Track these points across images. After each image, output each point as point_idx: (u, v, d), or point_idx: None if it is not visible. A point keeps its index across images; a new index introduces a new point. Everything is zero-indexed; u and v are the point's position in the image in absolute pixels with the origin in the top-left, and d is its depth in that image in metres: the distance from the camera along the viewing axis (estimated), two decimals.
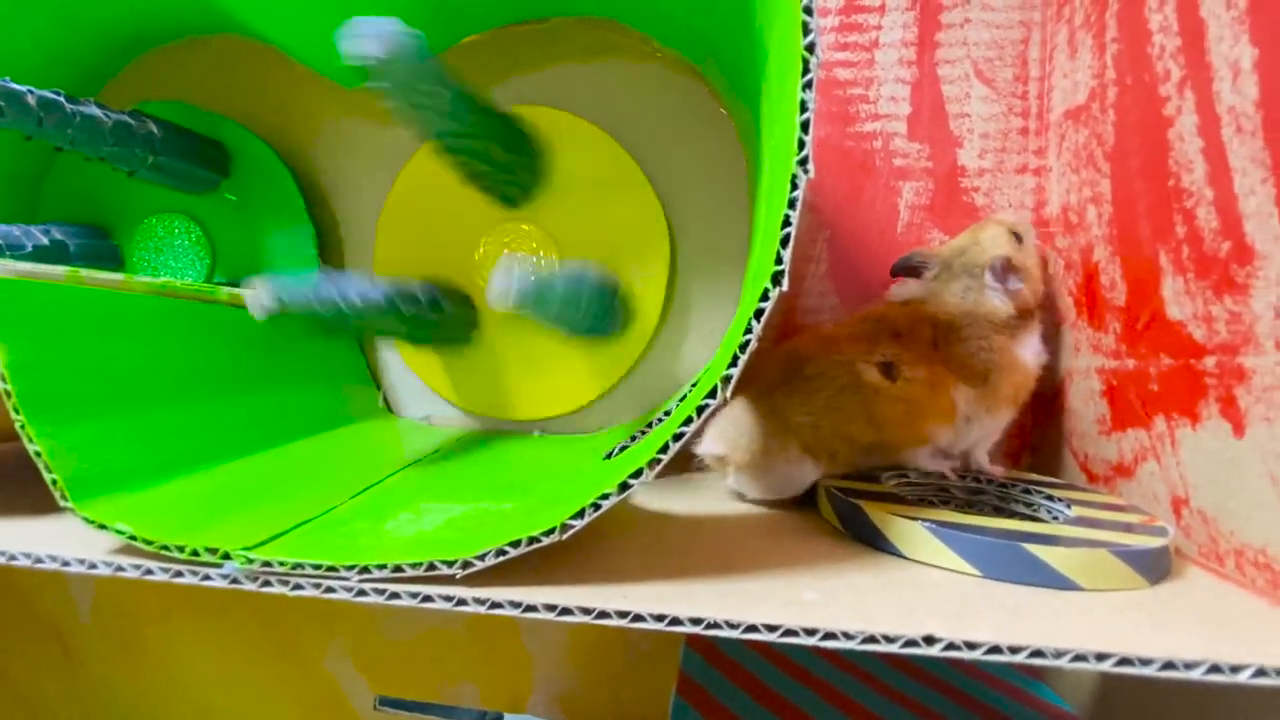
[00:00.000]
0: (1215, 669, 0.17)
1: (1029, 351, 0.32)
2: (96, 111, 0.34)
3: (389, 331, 0.36)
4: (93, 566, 0.22)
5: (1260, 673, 0.17)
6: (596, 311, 0.33)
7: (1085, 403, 0.33)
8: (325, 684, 0.49)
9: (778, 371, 0.31)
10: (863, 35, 0.39)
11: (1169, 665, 0.17)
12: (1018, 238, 0.34)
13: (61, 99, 0.33)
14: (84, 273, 0.26)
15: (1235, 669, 0.17)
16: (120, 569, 0.22)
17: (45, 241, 0.39)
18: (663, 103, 0.40)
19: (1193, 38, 0.26)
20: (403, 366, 0.43)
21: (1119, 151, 0.31)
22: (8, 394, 0.22)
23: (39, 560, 0.22)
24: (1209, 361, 0.25)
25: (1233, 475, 0.23)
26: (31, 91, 0.31)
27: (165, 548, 0.21)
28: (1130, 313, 0.30)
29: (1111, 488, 0.31)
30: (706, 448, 0.29)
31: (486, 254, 0.41)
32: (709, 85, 0.39)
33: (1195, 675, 0.17)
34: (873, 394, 0.30)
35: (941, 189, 0.39)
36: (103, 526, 0.22)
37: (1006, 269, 0.32)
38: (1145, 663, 0.17)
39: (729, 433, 0.29)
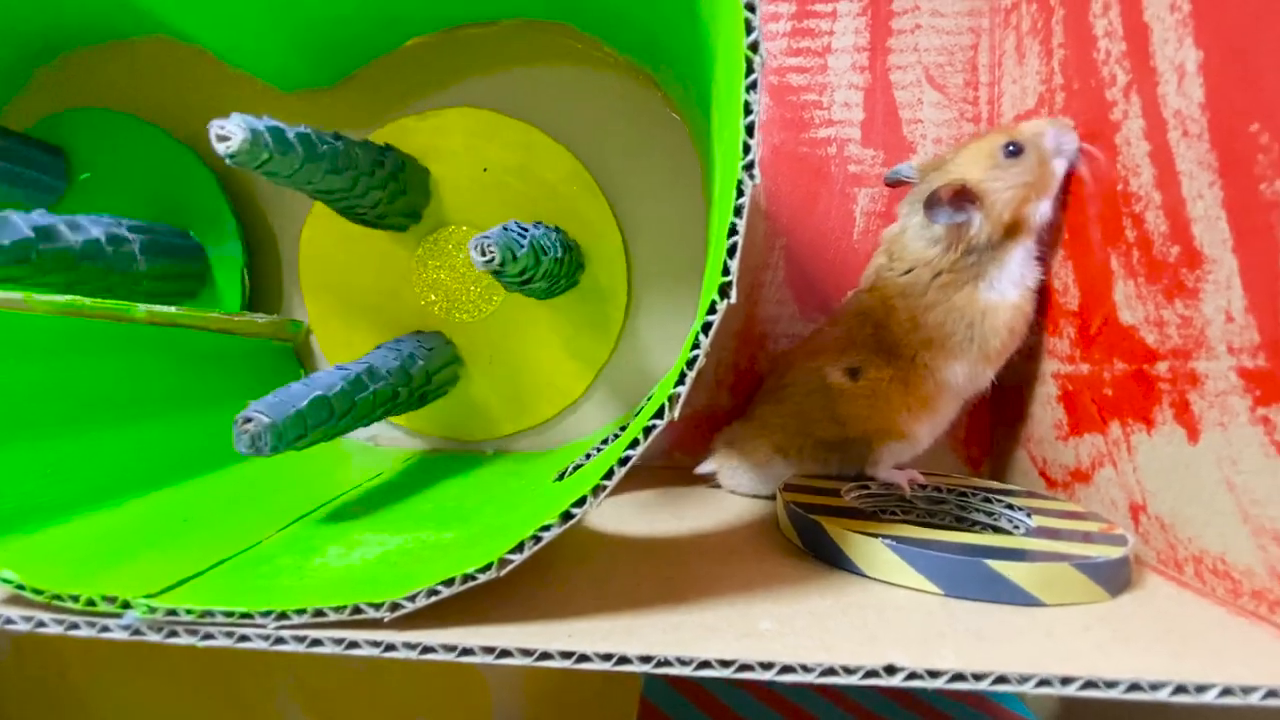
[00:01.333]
0: (1181, 689, 0.16)
1: (1003, 286, 0.29)
2: None
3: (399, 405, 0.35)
4: None
5: (1226, 691, 0.16)
6: (562, 260, 0.34)
7: (1043, 408, 0.33)
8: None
9: (770, 381, 0.36)
10: (815, 41, 0.39)
11: (1134, 687, 0.17)
12: (1013, 150, 0.29)
13: None
14: None
15: (1200, 689, 0.16)
16: (9, 621, 0.20)
17: None
18: (615, 108, 0.39)
19: (1137, 42, 0.26)
20: None
21: None
22: None
23: None
24: (1162, 366, 0.25)
25: (1189, 481, 0.23)
26: None
27: (58, 597, 0.19)
28: (1083, 317, 0.30)
29: (1070, 493, 0.31)
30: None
31: (423, 255, 0.39)
32: (662, 91, 0.38)
33: (1161, 696, 0.17)
34: (837, 395, 0.32)
35: (896, 195, 0.39)
36: None
37: (941, 201, 0.28)
38: (1110, 685, 0.17)
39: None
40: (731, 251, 0.17)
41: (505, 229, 0.29)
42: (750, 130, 0.17)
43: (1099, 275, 0.28)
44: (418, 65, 0.40)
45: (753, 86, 0.17)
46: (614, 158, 0.38)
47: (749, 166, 0.17)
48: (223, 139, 0.24)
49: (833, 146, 0.39)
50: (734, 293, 0.18)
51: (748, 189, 0.17)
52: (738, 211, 0.17)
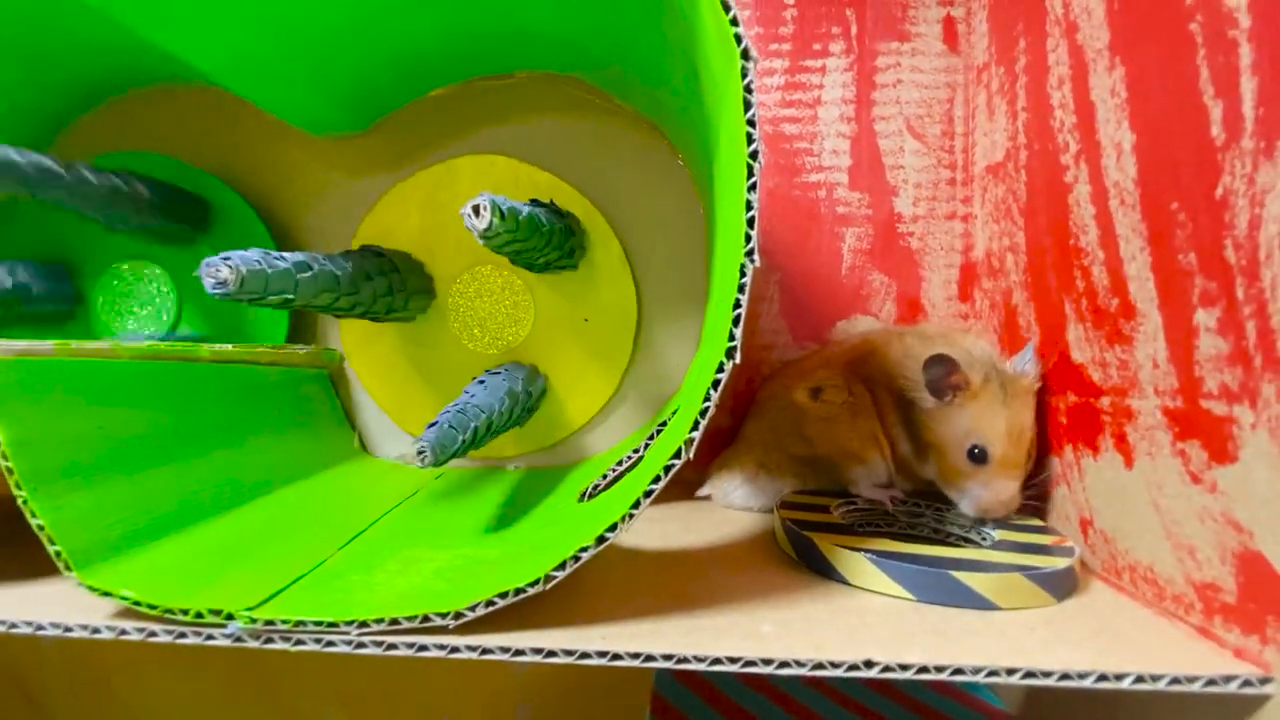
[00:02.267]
0: (1102, 677, 0.20)
1: (958, 428, 0.32)
2: (89, 176, 0.35)
3: (338, 306, 0.36)
4: (96, 631, 0.23)
5: (1139, 679, 0.20)
6: (559, 238, 0.36)
7: None
8: None
9: (756, 398, 0.39)
10: (806, 94, 0.43)
11: (1065, 676, 0.20)
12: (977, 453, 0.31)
13: (56, 166, 0.33)
14: (73, 344, 0.27)
15: (1119, 676, 0.20)
16: (124, 633, 0.23)
17: (9, 284, 0.40)
18: (625, 155, 0.42)
19: (1085, 117, 0.30)
20: (375, 408, 0.44)
21: (1031, 208, 0.35)
22: (9, 471, 0.23)
23: (40, 628, 0.23)
24: (1104, 401, 0.29)
25: (1125, 501, 0.27)
26: (22, 154, 0.32)
27: (170, 611, 0.23)
28: (1044, 353, 0.34)
29: (1033, 508, 0.34)
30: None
31: (463, 281, 0.43)
32: (669, 140, 0.42)
33: (1087, 684, 0.20)
34: (800, 413, 0.36)
35: (881, 234, 0.42)
36: (107, 594, 0.23)
37: (937, 383, 0.31)
38: (1046, 674, 0.21)
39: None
40: (736, 322, 0.21)
41: (508, 203, 0.30)
42: (751, 223, 0.21)
43: (1055, 317, 0.32)
44: (440, 114, 0.44)
45: (752, 188, 0.21)
46: (624, 200, 0.42)
47: (750, 253, 0.21)
48: (219, 284, 0.27)
49: (823, 190, 0.43)
50: (739, 355, 0.21)
51: (749, 271, 0.21)
52: (741, 289, 0.21)
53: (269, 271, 0.29)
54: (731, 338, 0.21)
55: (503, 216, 0.29)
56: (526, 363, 0.42)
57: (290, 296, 0.31)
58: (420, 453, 0.28)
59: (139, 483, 0.27)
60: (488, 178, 0.42)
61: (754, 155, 0.21)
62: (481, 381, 0.36)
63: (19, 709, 0.51)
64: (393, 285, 0.38)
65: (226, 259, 0.27)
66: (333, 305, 0.34)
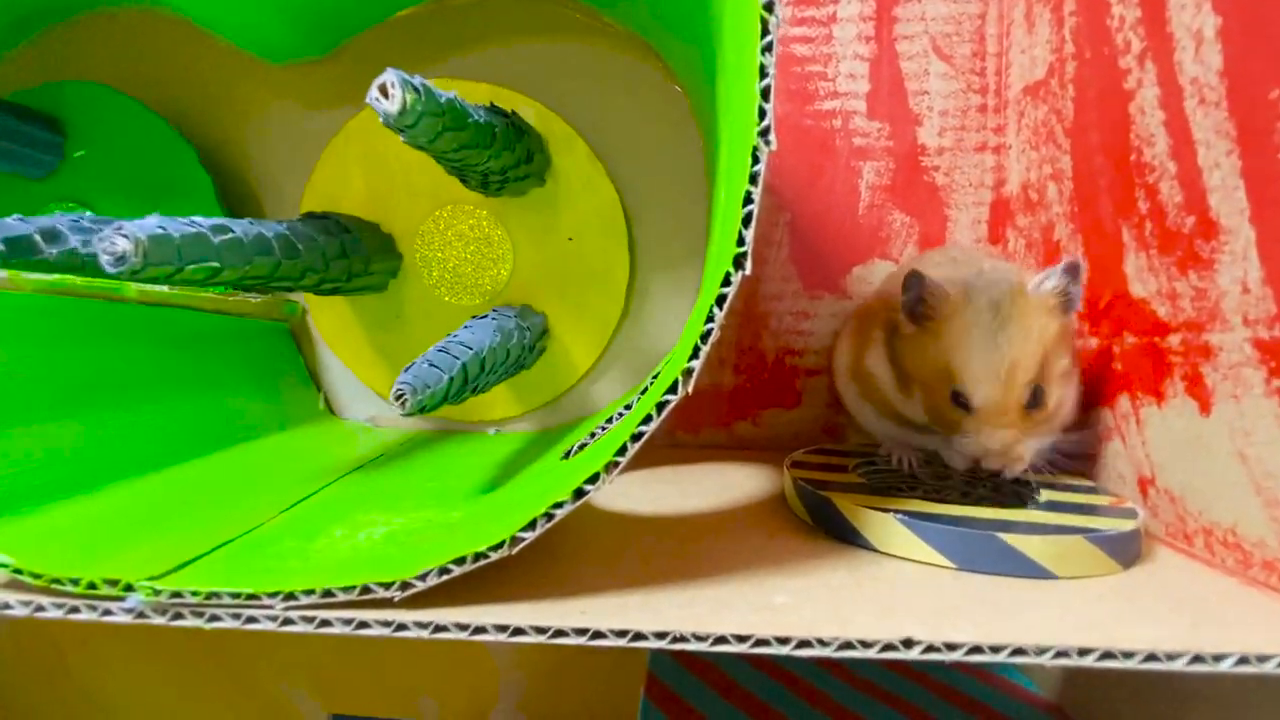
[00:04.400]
0: (1198, 659, 0.16)
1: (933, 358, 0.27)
2: None
3: (286, 277, 0.31)
4: None
5: (1242, 660, 0.16)
6: (505, 137, 0.31)
7: None
8: (276, 705, 0.46)
9: None
10: (820, 10, 0.38)
11: (1151, 657, 0.17)
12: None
13: None
14: None
15: (1218, 658, 0.16)
16: (6, 606, 0.19)
17: None
18: (614, 80, 0.38)
19: (1153, 8, 0.25)
20: (342, 366, 0.40)
21: (1079, 127, 0.31)
22: None
23: None
24: (1174, 339, 0.25)
25: (1200, 454, 0.23)
26: None
27: (56, 581, 0.19)
28: (1092, 291, 0.29)
29: (1079, 468, 0.30)
30: None
31: (422, 240, 0.38)
32: (663, 62, 0.37)
33: (1178, 666, 0.17)
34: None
35: (902, 168, 0.38)
36: None
37: (911, 305, 0.27)
38: (1128, 655, 0.17)
39: None
40: (747, 221, 0.17)
41: (425, 85, 0.25)
42: (766, 94, 0.17)
43: (1109, 248, 0.28)
44: (409, 37, 0.39)
45: (768, 49, 0.17)
46: (613, 130, 0.38)
47: (764, 132, 0.17)
48: (118, 259, 0.22)
49: (838, 119, 0.38)
50: (749, 264, 0.17)
51: (763, 156, 0.17)
52: (753, 179, 0.17)
53: (175, 237, 0.24)
54: (741, 241, 0.17)
55: (418, 93, 0.24)
56: (517, 305, 0.38)
57: (216, 265, 0.26)
58: (399, 396, 0.24)
59: (35, 434, 0.23)
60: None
61: (769, 7, 0.16)
62: (467, 327, 0.32)
63: None
64: (345, 246, 0.34)
65: (119, 229, 0.22)
66: (276, 275, 0.29)
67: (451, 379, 0.26)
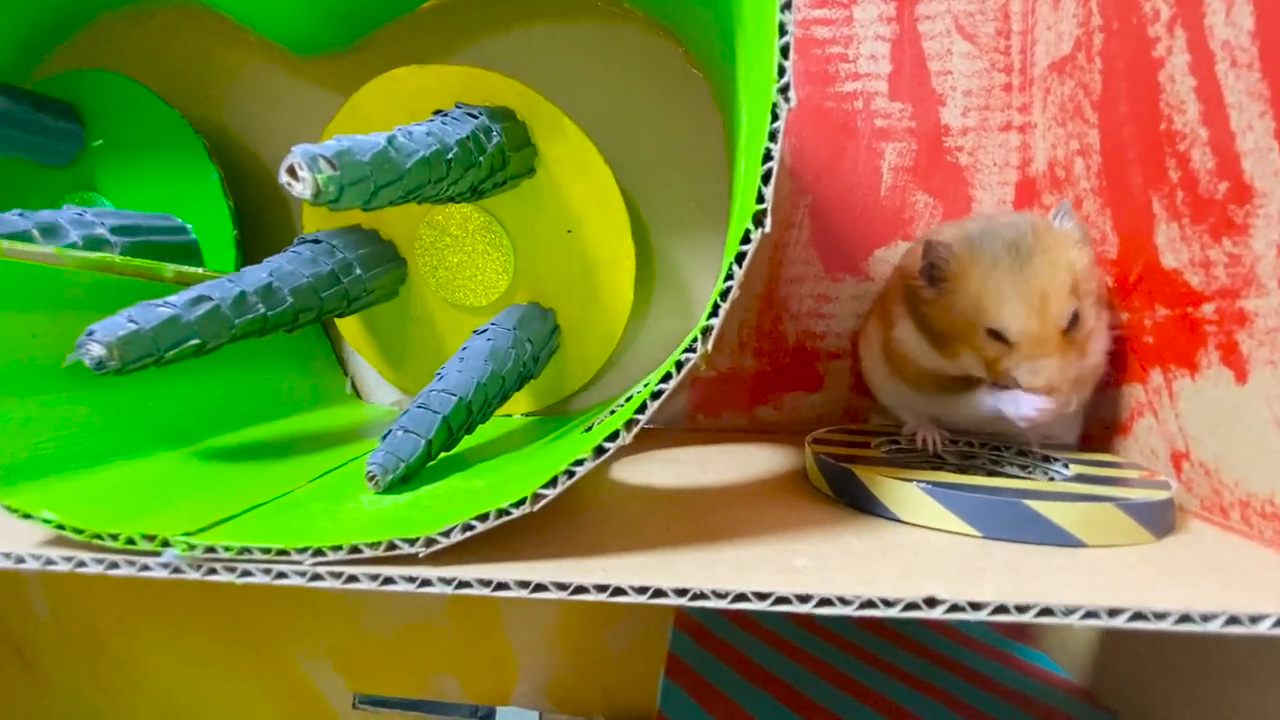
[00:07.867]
0: (1234, 620, 0.16)
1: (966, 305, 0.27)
2: None
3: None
4: (20, 560, 0.20)
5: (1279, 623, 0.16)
6: (469, 151, 0.28)
7: None
8: (301, 684, 0.47)
9: None
10: None
11: (1185, 618, 0.16)
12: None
13: None
14: (8, 245, 0.24)
15: (1255, 619, 0.16)
16: (50, 562, 0.20)
17: None
18: (635, 65, 0.38)
19: None
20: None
21: (1107, 100, 0.30)
22: None
23: None
24: (1207, 309, 0.24)
25: (1236, 424, 0.23)
26: None
27: (98, 536, 0.20)
28: (1122, 266, 0.29)
29: (1108, 447, 0.30)
30: None
31: (424, 241, 0.36)
32: (683, 46, 0.38)
33: (1213, 628, 0.16)
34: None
35: (925, 149, 0.38)
36: (27, 515, 0.20)
37: (928, 269, 0.27)
38: (1160, 617, 0.16)
39: None
40: (766, 178, 0.17)
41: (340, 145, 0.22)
42: (785, 51, 0.17)
43: (1139, 220, 0.28)
44: (434, 27, 0.40)
45: (787, 5, 0.17)
46: (633, 115, 0.38)
47: (784, 89, 0.17)
48: (98, 364, 0.22)
49: (859, 100, 0.38)
50: (769, 221, 0.17)
51: (783, 112, 0.17)
52: (773, 136, 0.17)
53: (146, 330, 0.23)
54: (761, 198, 0.17)
55: (333, 166, 0.21)
56: (526, 303, 0.37)
57: (198, 341, 0.24)
58: (370, 477, 0.23)
59: (82, 401, 0.24)
60: (394, 98, 0.33)
61: None
62: (459, 356, 0.30)
63: (12, 668, 0.49)
64: (338, 273, 0.31)
65: (91, 334, 0.22)
66: (267, 328, 0.28)
67: (430, 441, 0.25)
